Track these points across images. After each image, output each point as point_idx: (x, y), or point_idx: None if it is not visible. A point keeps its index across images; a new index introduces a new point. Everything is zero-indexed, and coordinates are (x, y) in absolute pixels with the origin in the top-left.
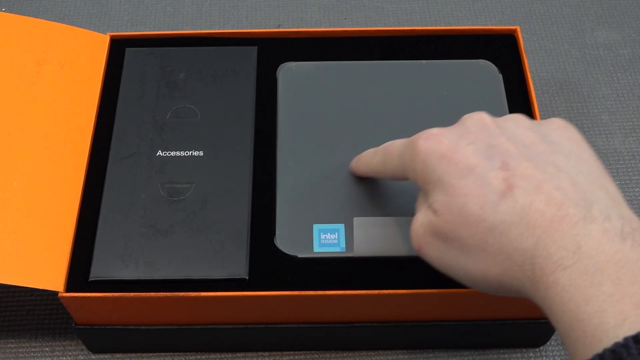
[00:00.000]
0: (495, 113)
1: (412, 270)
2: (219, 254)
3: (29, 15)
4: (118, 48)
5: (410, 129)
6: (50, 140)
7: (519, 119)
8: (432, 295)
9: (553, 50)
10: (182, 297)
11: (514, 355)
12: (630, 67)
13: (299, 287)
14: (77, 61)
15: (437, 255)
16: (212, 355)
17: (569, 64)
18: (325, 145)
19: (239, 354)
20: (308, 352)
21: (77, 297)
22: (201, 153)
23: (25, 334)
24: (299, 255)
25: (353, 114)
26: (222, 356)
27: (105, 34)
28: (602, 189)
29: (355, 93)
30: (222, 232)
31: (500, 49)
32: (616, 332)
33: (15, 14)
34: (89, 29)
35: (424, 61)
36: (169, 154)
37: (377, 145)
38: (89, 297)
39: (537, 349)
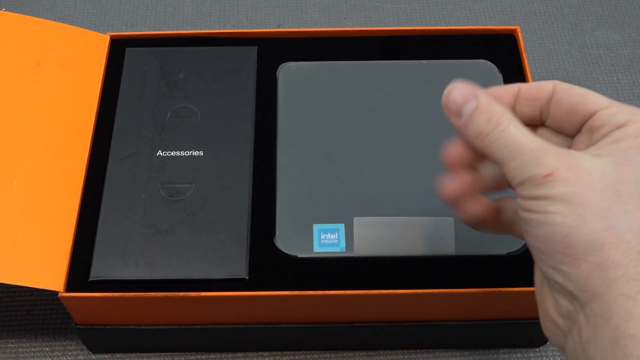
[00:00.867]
0: None
1: (412, 270)
2: (219, 254)
3: (29, 15)
4: (118, 48)
5: (410, 130)
6: (50, 140)
7: None
8: (432, 295)
9: (553, 50)
10: (182, 297)
11: (514, 355)
12: (630, 67)
13: (299, 287)
14: (77, 61)
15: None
16: (212, 355)
17: (569, 64)
18: (325, 144)
19: (239, 354)
20: (308, 352)
21: (77, 297)
22: (201, 153)
23: (25, 334)
24: (299, 255)
25: (353, 114)
26: (222, 356)
27: (105, 34)
28: None
29: (356, 93)
30: (222, 232)
31: (500, 49)
32: None
33: (16, 13)
34: (89, 29)
35: (424, 61)
36: (169, 154)
37: (376, 146)
38: (89, 297)
39: (537, 349)
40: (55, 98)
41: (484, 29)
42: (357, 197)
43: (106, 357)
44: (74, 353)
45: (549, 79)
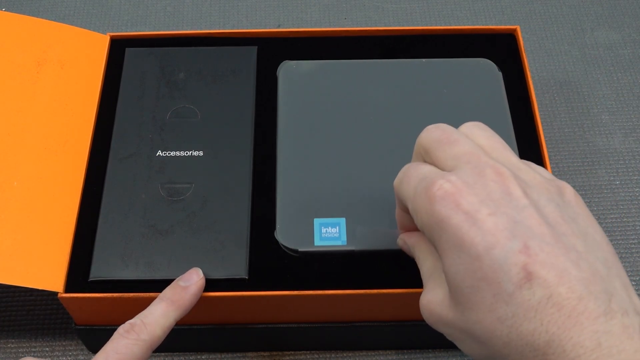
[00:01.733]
0: (495, 112)
1: (413, 265)
2: (219, 254)
3: (29, 15)
4: (118, 48)
5: (410, 128)
6: (50, 140)
7: (535, 177)
8: None
9: (553, 50)
10: None
11: None
12: (630, 67)
13: (299, 284)
14: (77, 61)
15: (447, 331)
16: (212, 355)
17: (569, 64)
18: (326, 142)
19: (238, 354)
20: (308, 352)
21: (76, 297)
22: (201, 153)
23: (25, 334)
24: (300, 249)
25: (353, 112)
26: (222, 356)
27: (105, 34)
28: (618, 278)
29: (356, 91)
30: (222, 232)
31: (501, 49)
32: None
33: (16, 13)
34: (89, 29)
35: (424, 59)
36: (168, 154)
37: (376, 143)
38: (88, 297)
39: None
40: (55, 98)
41: (484, 29)
42: (358, 191)
43: None
44: (74, 353)
45: (549, 79)
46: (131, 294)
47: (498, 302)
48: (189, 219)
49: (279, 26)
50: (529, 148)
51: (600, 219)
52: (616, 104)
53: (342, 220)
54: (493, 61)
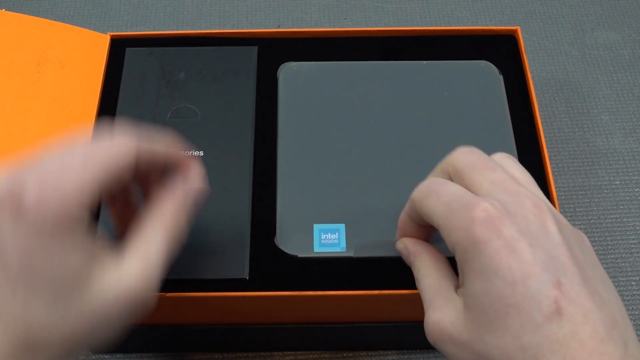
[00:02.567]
0: (496, 114)
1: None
2: (219, 255)
3: (29, 15)
4: (118, 48)
5: (411, 131)
6: (50, 139)
7: (563, 218)
8: None
9: (553, 50)
10: (182, 297)
11: None
12: (630, 67)
13: (299, 287)
14: (78, 61)
15: (454, 352)
16: (212, 355)
17: (569, 64)
18: (326, 145)
19: (239, 354)
20: (308, 352)
21: None
22: (201, 153)
23: None
24: (299, 255)
25: (353, 114)
26: (223, 356)
27: (106, 34)
28: (630, 328)
29: (356, 93)
30: (222, 232)
31: (501, 50)
32: None
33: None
34: (89, 29)
35: (424, 61)
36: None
37: (377, 148)
38: None
39: None
40: (56, 98)
41: (484, 30)
42: (358, 197)
43: (106, 357)
44: None
45: (549, 79)
46: None
47: (524, 330)
48: (189, 219)
49: (279, 26)
50: (529, 148)
51: (600, 219)
52: (616, 104)
53: (342, 227)
54: (493, 62)
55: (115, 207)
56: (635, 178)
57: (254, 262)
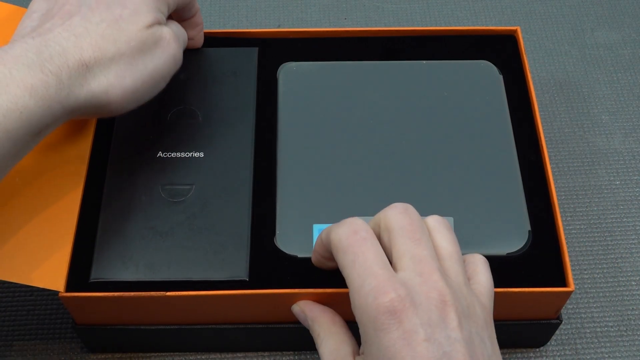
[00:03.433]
0: (496, 114)
1: None
2: (219, 256)
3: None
4: None
5: (410, 129)
6: (50, 139)
7: (472, 303)
8: None
9: (553, 50)
10: (182, 296)
11: (514, 355)
12: (630, 67)
13: (299, 285)
14: None
15: None
16: (212, 355)
17: (569, 64)
18: (326, 145)
19: (239, 354)
20: (308, 352)
21: (77, 296)
22: (202, 154)
23: (25, 334)
24: (299, 255)
25: (353, 114)
26: (222, 356)
27: None
28: None
29: (356, 93)
30: (222, 233)
31: (501, 50)
32: None
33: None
34: None
35: (424, 61)
36: (169, 155)
37: (377, 148)
38: (89, 296)
39: (538, 349)
40: None
41: (484, 30)
42: (357, 197)
43: (106, 357)
44: (74, 353)
45: (549, 79)
46: (132, 293)
47: None
48: (189, 220)
49: (279, 26)
50: (529, 148)
51: (600, 219)
52: (616, 104)
53: None
54: (493, 62)
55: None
56: (635, 178)
57: (254, 262)
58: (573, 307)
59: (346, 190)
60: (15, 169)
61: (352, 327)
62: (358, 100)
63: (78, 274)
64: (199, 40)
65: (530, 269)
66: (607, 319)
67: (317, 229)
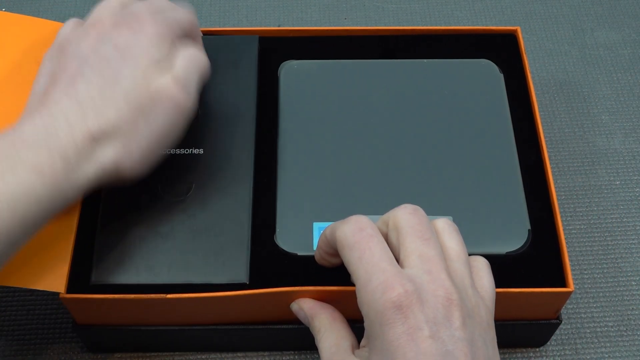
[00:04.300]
0: (496, 113)
1: None
2: (220, 258)
3: (29, 15)
4: None
5: (411, 128)
6: None
7: (477, 305)
8: None
9: (553, 50)
10: (182, 298)
11: (514, 355)
12: (630, 67)
13: (299, 284)
14: None
15: None
16: (212, 355)
17: (569, 64)
18: (327, 143)
19: (239, 354)
20: (309, 352)
21: (78, 298)
22: (201, 151)
23: (26, 334)
24: (299, 253)
25: (354, 113)
26: (222, 356)
27: None
28: None
29: (357, 92)
30: (222, 235)
31: (501, 49)
32: None
33: (16, 13)
34: None
35: (425, 60)
36: (168, 151)
37: (377, 146)
38: (90, 298)
39: (538, 350)
40: None
41: (484, 29)
42: (357, 195)
43: (106, 356)
44: (74, 353)
45: (549, 79)
46: (132, 296)
47: None
48: (190, 220)
49: (279, 26)
50: (529, 148)
51: (600, 219)
52: (616, 104)
53: None
54: (493, 61)
55: None
56: (635, 178)
57: (254, 260)
58: (573, 307)
59: (346, 188)
60: None
61: (351, 325)
62: (359, 98)
63: (79, 275)
64: None
65: (529, 269)
66: (607, 319)
67: (317, 227)
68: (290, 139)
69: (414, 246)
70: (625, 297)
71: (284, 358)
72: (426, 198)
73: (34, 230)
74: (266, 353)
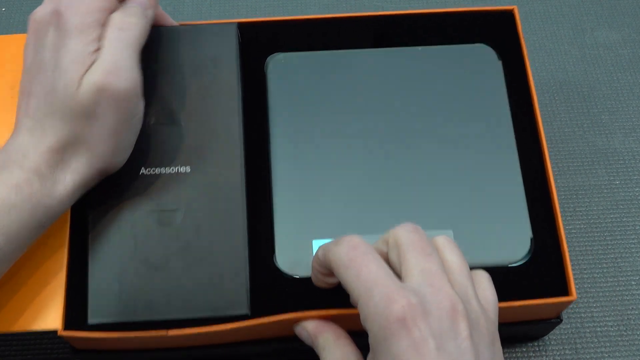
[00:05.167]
0: (495, 100)
1: None
2: (219, 291)
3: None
4: None
5: (409, 131)
6: None
7: (480, 317)
8: None
9: (553, 50)
10: (184, 335)
11: (515, 355)
12: (630, 67)
13: (300, 306)
14: None
15: None
16: None
17: (569, 64)
18: (323, 151)
19: None
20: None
21: (76, 336)
22: (188, 169)
23: (26, 334)
24: (299, 275)
25: (350, 110)
26: None
27: None
28: None
29: (350, 84)
30: (219, 263)
31: (497, 30)
32: None
33: (15, 14)
34: None
35: (419, 47)
36: (153, 171)
37: (375, 143)
38: (89, 337)
39: (538, 349)
40: None
41: (480, 10)
42: (356, 207)
43: None
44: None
45: (549, 79)
46: (133, 333)
47: None
48: (183, 249)
49: None
50: (529, 148)
51: (600, 218)
52: (616, 104)
53: None
54: (489, 42)
55: None
56: (635, 178)
57: (254, 285)
58: (573, 306)
59: (345, 203)
60: None
61: (357, 337)
62: (353, 91)
63: (75, 312)
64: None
65: (532, 278)
66: (607, 318)
67: (317, 245)
68: (283, 147)
69: (415, 261)
70: (625, 297)
71: None
72: (426, 210)
73: (21, 243)
74: None
